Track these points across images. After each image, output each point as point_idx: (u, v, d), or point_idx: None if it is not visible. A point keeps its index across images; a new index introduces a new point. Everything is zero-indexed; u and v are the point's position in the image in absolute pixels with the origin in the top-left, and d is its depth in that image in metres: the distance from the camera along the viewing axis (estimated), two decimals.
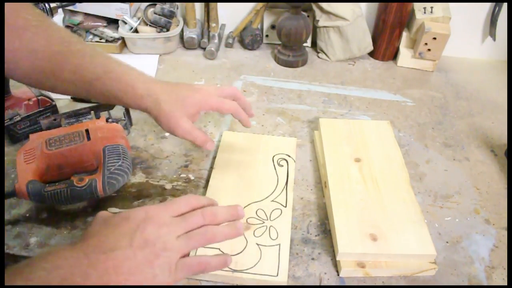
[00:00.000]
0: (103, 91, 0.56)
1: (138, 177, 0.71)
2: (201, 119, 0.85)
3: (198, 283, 0.56)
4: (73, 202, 0.61)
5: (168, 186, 0.70)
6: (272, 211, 0.64)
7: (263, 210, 0.64)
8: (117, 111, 0.77)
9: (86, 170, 0.65)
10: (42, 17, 0.54)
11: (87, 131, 0.66)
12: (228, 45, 1.11)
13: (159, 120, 0.58)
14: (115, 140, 0.65)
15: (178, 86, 0.61)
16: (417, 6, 1.01)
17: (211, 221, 0.46)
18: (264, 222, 0.62)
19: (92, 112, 0.74)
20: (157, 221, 0.43)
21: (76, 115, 0.73)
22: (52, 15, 0.78)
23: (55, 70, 0.53)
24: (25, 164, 0.62)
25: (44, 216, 0.64)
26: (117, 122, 0.73)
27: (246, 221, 0.62)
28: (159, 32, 1.04)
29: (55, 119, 0.72)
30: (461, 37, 1.08)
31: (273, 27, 1.11)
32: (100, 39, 1.06)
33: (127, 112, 0.79)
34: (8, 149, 0.75)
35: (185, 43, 1.09)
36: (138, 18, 1.06)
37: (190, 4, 1.06)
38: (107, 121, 0.71)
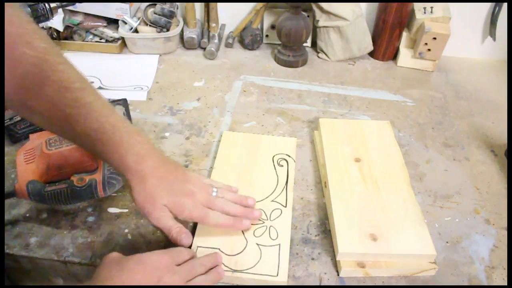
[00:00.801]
0: (89, 146, 0.54)
1: None
2: (200, 119, 0.85)
3: None
4: (73, 202, 0.61)
5: None
6: (272, 211, 0.64)
7: (263, 210, 0.64)
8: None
9: (86, 170, 0.65)
10: (46, 54, 0.47)
11: None
12: (228, 45, 1.11)
13: (136, 196, 0.55)
14: None
15: (171, 175, 0.57)
16: (417, 6, 1.01)
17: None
18: (264, 222, 0.62)
19: None
20: (171, 270, 0.49)
21: None
22: (52, 15, 0.78)
23: (43, 112, 0.50)
24: (25, 164, 0.62)
25: (44, 216, 0.64)
26: None
27: None
28: (159, 32, 1.04)
29: None
30: (461, 37, 1.08)
31: (273, 27, 1.11)
32: (100, 39, 1.06)
33: (127, 112, 0.79)
34: (8, 149, 0.75)
35: (185, 43, 1.09)
36: (138, 18, 1.06)
37: (190, 4, 1.06)
38: None
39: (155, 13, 1.03)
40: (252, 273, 0.55)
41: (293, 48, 1.03)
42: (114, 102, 0.76)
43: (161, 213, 0.55)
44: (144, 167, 0.54)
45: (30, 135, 0.68)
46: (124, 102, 0.77)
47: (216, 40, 1.08)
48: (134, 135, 0.55)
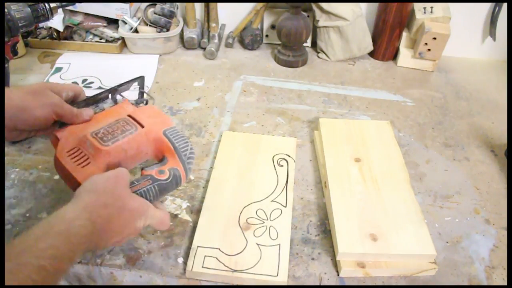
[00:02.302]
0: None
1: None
2: (200, 119, 0.85)
3: (198, 283, 0.56)
4: (160, 198, 0.54)
5: None
6: (272, 211, 0.64)
7: (263, 210, 0.64)
8: (131, 92, 0.68)
9: (142, 159, 0.58)
10: None
11: (131, 117, 0.57)
12: (228, 45, 1.11)
13: (34, 107, 0.53)
14: (166, 122, 0.58)
15: None
16: (417, 6, 1.01)
17: None
18: (264, 222, 0.62)
19: (110, 96, 0.64)
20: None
21: (95, 102, 0.62)
22: (52, 15, 0.78)
23: None
24: (80, 167, 0.52)
25: (44, 216, 0.64)
26: (138, 104, 0.64)
27: (246, 221, 0.62)
28: (159, 32, 1.04)
29: None
30: (461, 37, 1.08)
31: (273, 27, 1.11)
32: (100, 39, 1.06)
33: (141, 94, 0.69)
34: (8, 149, 0.75)
35: (185, 43, 1.09)
36: (138, 18, 1.06)
37: (190, 4, 1.06)
38: (135, 104, 0.63)
39: (155, 13, 1.03)
40: (252, 273, 0.55)
41: (293, 48, 1.03)
42: (132, 80, 0.66)
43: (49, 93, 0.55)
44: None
45: (57, 133, 0.56)
46: (140, 81, 0.68)
47: (216, 40, 1.08)
48: None
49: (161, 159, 0.57)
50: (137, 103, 0.64)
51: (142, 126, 0.56)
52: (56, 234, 0.41)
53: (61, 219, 0.43)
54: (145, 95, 0.69)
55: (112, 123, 0.56)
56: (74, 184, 0.51)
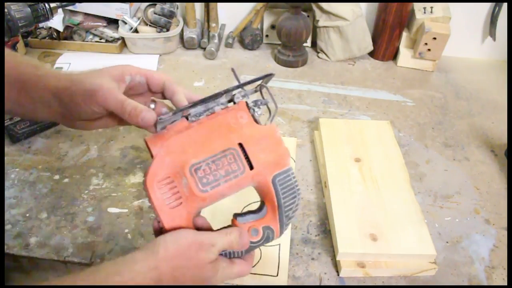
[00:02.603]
0: None
1: (138, 177, 0.71)
2: None
3: None
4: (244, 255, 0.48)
5: None
6: None
7: None
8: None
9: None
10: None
11: (242, 148, 0.46)
12: (228, 45, 1.11)
13: (74, 94, 0.46)
14: (281, 161, 0.47)
15: None
16: (417, 6, 1.01)
17: None
18: None
19: (225, 96, 0.51)
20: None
21: (204, 102, 0.50)
22: (52, 15, 0.78)
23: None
24: (169, 208, 0.44)
25: (44, 216, 0.64)
26: (258, 107, 0.51)
27: None
28: (159, 32, 1.04)
29: (175, 113, 0.47)
30: (461, 37, 1.08)
31: (273, 27, 1.11)
32: (100, 39, 1.06)
33: (261, 88, 0.53)
34: (8, 149, 0.75)
35: (185, 43, 1.09)
36: (138, 18, 1.06)
37: (190, 4, 1.06)
38: (252, 110, 0.50)
39: (155, 13, 1.03)
40: (252, 273, 0.55)
41: (293, 48, 1.03)
42: (259, 78, 0.51)
43: (107, 85, 0.46)
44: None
45: (151, 147, 0.45)
46: (268, 79, 0.53)
47: (216, 40, 1.08)
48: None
49: (259, 205, 0.49)
50: (256, 105, 0.50)
51: (251, 167, 0.45)
52: (116, 284, 0.40)
53: (129, 268, 0.41)
54: (263, 92, 0.53)
55: (217, 155, 0.45)
56: (158, 221, 0.45)
